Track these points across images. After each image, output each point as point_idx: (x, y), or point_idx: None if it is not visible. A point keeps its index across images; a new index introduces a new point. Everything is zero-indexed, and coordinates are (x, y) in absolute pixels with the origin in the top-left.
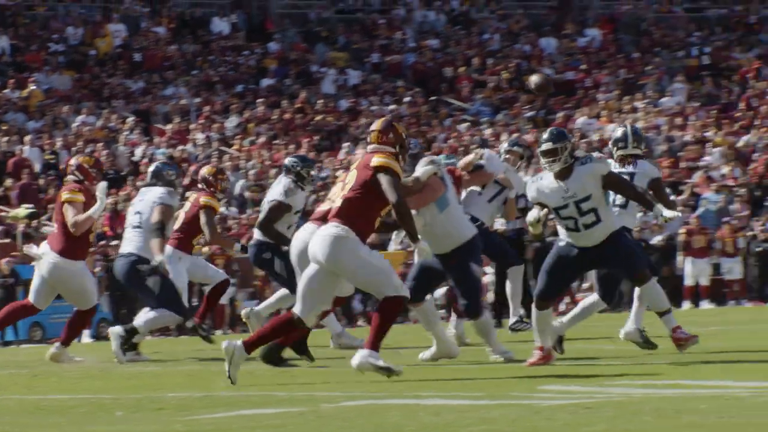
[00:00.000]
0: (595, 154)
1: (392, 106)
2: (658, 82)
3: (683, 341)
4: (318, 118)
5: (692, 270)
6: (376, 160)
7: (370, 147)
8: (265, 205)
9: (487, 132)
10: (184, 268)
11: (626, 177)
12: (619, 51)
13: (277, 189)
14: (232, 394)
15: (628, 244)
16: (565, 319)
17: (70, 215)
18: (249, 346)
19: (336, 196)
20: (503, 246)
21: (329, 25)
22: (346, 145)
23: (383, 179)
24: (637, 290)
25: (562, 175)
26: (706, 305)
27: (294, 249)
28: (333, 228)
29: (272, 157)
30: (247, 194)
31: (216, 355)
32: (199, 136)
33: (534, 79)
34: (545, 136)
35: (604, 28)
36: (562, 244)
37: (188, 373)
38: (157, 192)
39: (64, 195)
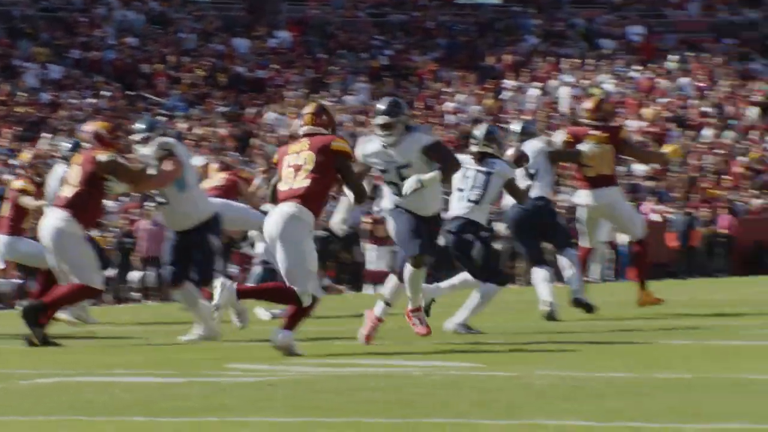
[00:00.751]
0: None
1: (92, 100)
2: (343, 81)
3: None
4: (20, 110)
5: (375, 256)
6: (337, 145)
7: (303, 129)
8: None
9: (182, 126)
10: None
11: (483, 176)
12: (308, 52)
13: None
14: None
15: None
16: (442, 284)
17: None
18: (242, 293)
19: (290, 178)
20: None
21: (32, 21)
22: (46, 135)
23: (345, 163)
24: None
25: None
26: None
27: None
28: (291, 207)
29: None
30: None
31: None
32: None
33: None
34: (381, 108)
35: (294, 30)
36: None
37: None
38: None
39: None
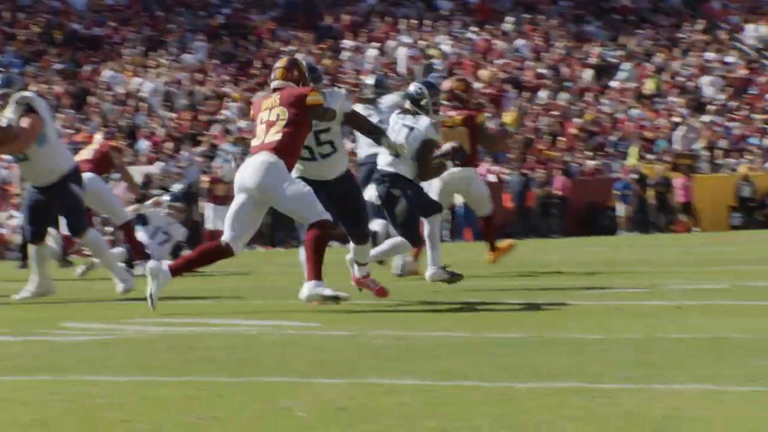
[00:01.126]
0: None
1: None
2: (181, 39)
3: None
4: None
5: (213, 216)
6: (313, 98)
7: (275, 83)
8: None
9: None
10: None
11: (406, 129)
12: (145, 9)
13: None
14: None
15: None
16: (373, 251)
17: None
18: (175, 270)
19: (264, 134)
20: None
21: None
22: None
23: (319, 113)
24: (426, 230)
25: None
26: None
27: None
28: (265, 155)
29: None
30: None
31: None
32: None
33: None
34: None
35: None
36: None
37: None
38: None
39: None
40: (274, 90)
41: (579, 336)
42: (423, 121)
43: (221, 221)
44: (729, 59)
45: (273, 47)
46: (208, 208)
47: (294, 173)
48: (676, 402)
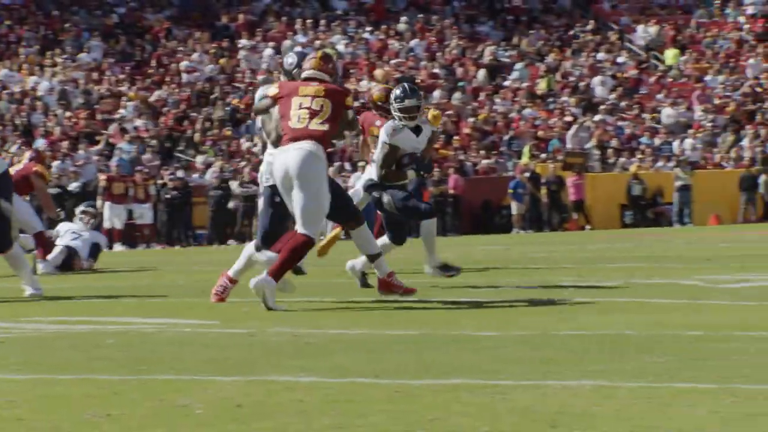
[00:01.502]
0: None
1: None
2: (77, 38)
3: (394, 288)
4: None
5: (110, 214)
6: (350, 100)
7: (309, 72)
8: None
9: None
10: None
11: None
12: (40, 8)
13: None
14: None
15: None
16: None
17: None
18: (276, 275)
19: (305, 119)
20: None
21: None
22: None
23: (350, 116)
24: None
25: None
26: (118, 248)
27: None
28: (311, 145)
29: None
30: None
31: None
32: None
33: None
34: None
35: None
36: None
37: None
38: None
39: None
40: (309, 79)
41: (474, 333)
42: (386, 126)
43: (118, 219)
44: (620, 59)
45: (169, 46)
46: (105, 207)
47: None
48: (568, 398)
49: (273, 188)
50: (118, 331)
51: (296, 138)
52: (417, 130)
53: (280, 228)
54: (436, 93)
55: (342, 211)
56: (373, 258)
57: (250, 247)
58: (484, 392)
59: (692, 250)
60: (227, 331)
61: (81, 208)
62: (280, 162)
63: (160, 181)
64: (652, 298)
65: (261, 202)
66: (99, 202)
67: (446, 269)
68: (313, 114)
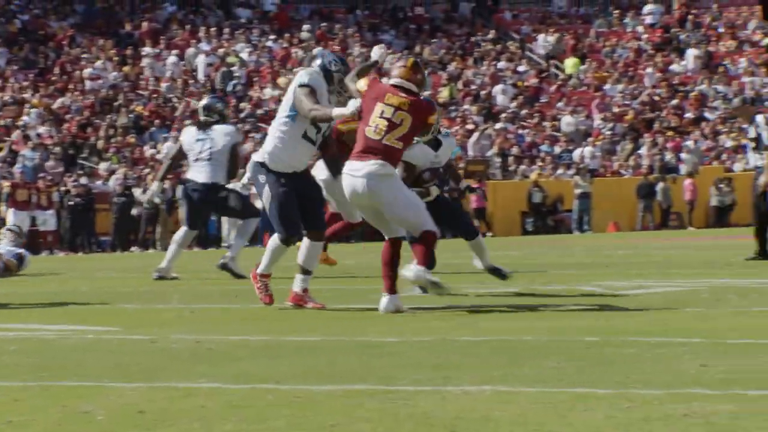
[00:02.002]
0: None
1: None
2: None
3: (305, 304)
4: None
5: (14, 220)
6: (432, 119)
7: (397, 81)
8: None
9: None
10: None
11: None
12: None
13: None
14: None
15: None
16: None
17: None
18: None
19: (382, 131)
20: None
21: None
22: None
23: (428, 132)
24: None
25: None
26: None
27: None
28: (382, 167)
29: None
30: None
31: None
32: None
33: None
34: None
35: None
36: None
37: None
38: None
39: None
40: (397, 87)
41: (376, 339)
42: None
43: (25, 226)
44: (520, 68)
45: (73, 54)
46: (10, 213)
47: (272, 164)
48: (468, 403)
49: (277, 174)
50: (20, 338)
51: (367, 151)
52: (436, 145)
53: (294, 211)
54: None
55: (311, 217)
56: (306, 272)
57: (275, 239)
58: (386, 398)
59: (591, 257)
60: (130, 338)
61: (6, 227)
62: (351, 186)
63: (63, 188)
64: (551, 305)
65: (264, 191)
66: (2, 209)
67: (497, 272)
68: (392, 127)
